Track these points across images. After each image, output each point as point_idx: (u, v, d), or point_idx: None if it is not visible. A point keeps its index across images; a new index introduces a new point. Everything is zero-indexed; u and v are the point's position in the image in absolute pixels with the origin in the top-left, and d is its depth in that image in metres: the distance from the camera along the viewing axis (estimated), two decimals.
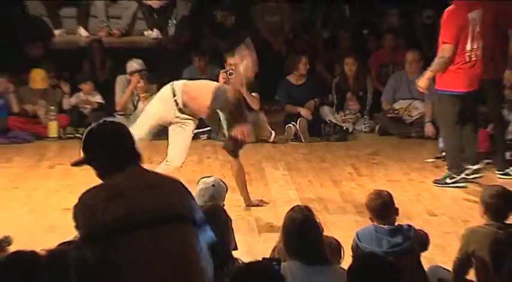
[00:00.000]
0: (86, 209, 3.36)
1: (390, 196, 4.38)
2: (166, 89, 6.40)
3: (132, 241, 3.18)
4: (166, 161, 6.43)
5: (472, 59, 6.70)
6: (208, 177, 5.35)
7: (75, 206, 3.38)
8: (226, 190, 5.28)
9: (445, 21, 6.71)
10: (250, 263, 3.22)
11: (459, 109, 6.81)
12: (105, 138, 3.47)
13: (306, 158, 8.12)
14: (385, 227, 4.22)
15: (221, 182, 5.28)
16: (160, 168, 6.31)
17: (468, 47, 6.67)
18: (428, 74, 6.76)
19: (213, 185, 5.14)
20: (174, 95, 6.33)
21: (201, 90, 6.44)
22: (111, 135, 3.47)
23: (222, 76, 8.60)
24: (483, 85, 6.93)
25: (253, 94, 8.68)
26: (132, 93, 8.94)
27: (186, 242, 3.23)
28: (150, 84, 8.90)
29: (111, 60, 9.84)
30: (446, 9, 6.76)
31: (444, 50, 6.66)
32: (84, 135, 3.53)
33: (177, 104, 6.30)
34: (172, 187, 3.38)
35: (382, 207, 4.29)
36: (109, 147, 3.43)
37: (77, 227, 3.41)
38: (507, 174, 7.21)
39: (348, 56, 9.27)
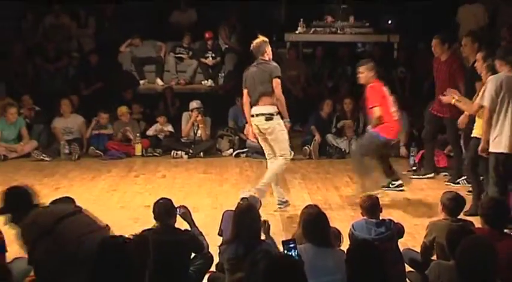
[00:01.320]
0: None
1: (377, 199, 4.35)
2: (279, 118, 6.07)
3: None
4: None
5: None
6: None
7: None
8: (260, 204, 4.88)
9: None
10: (277, 259, 2.96)
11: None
12: None
13: (315, 170, 8.09)
14: (373, 220, 4.19)
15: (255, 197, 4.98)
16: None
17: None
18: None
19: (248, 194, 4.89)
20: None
21: None
22: None
23: None
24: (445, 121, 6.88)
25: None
26: (192, 125, 8.96)
27: None
28: (206, 117, 8.93)
29: (179, 101, 9.89)
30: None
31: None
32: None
33: None
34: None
35: (372, 206, 4.26)
36: None
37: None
38: (458, 183, 7.11)
39: (347, 97, 9.24)
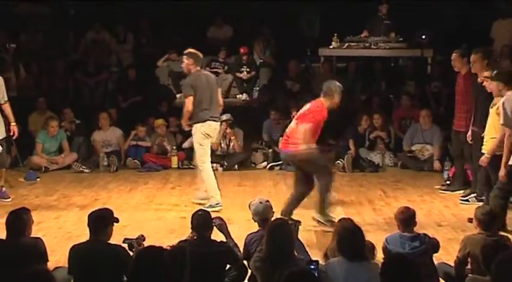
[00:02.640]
0: None
1: (414, 212, 4.30)
2: None
3: None
4: None
5: None
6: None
7: None
8: (273, 213, 4.71)
9: None
10: (293, 271, 3.00)
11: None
12: None
13: (349, 184, 8.03)
14: (407, 234, 4.14)
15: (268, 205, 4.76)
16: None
17: None
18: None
19: (260, 202, 4.71)
20: None
21: None
22: None
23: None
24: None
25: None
26: (224, 137, 8.97)
27: None
28: (237, 129, 8.94)
29: None
30: None
31: None
32: None
33: None
34: None
35: (408, 218, 4.21)
36: None
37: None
38: (467, 200, 6.90)
39: (376, 113, 9.19)
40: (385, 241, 4.16)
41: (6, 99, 7.00)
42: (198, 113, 6.58)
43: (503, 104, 5.38)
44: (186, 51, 6.92)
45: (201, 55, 6.87)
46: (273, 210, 4.72)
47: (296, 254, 3.97)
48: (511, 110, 5.33)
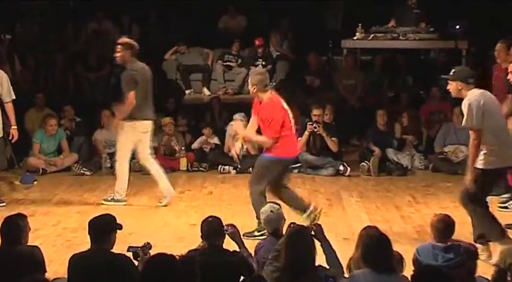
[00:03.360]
0: None
1: (453, 221, 4.25)
2: None
3: None
4: None
5: None
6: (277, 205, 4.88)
7: None
8: (284, 220, 4.70)
9: None
10: None
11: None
12: None
13: (374, 188, 8.01)
14: (441, 244, 4.10)
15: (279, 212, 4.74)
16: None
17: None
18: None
19: (271, 211, 4.68)
20: None
21: None
22: None
23: (309, 127, 8.62)
24: None
25: (332, 139, 8.65)
26: (237, 137, 8.93)
27: None
28: None
29: (226, 112, 9.95)
30: None
31: None
32: None
33: None
34: None
35: (447, 228, 4.17)
36: None
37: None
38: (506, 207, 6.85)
39: (405, 111, 9.15)
40: (416, 252, 4.12)
41: (12, 97, 7.06)
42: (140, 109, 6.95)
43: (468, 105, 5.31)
44: (121, 40, 7.20)
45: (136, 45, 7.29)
46: (285, 217, 4.71)
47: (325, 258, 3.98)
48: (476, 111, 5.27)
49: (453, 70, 5.55)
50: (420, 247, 4.16)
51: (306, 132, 8.65)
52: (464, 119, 5.39)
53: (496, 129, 5.35)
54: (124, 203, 7.16)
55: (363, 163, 8.69)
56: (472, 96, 5.36)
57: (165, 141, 9.08)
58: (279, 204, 4.98)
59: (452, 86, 5.47)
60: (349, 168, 8.59)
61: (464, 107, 5.36)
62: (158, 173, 7.19)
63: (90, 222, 4.14)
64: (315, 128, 8.57)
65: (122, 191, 7.16)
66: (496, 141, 5.31)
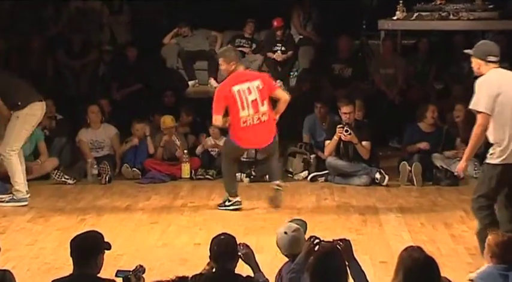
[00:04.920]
0: None
1: None
2: None
3: None
4: None
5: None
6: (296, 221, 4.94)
7: None
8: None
9: None
10: None
11: None
12: None
13: (418, 201, 7.97)
14: (504, 265, 4.06)
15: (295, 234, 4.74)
16: None
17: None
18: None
19: (285, 232, 4.69)
20: None
21: None
22: None
23: (338, 131, 8.59)
24: None
25: (363, 143, 8.61)
26: None
27: None
28: None
29: None
30: None
31: None
32: None
33: None
34: None
35: (507, 246, 4.14)
36: None
37: None
38: None
39: (458, 103, 9.06)
40: (477, 280, 4.07)
41: None
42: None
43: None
44: None
45: None
46: (305, 228, 4.74)
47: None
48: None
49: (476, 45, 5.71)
50: (480, 275, 4.12)
51: (335, 137, 8.60)
52: (472, 101, 5.58)
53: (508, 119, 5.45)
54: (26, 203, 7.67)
55: (404, 162, 8.62)
56: (488, 76, 5.50)
57: (163, 143, 9.09)
58: (303, 221, 4.95)
59: (473, 64, 5.68)
60: (387, 177, 8.56)
61: (476, 86, 5.55)
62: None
63: (72, 242, 4.15)
64: (346, 131, 8.51)
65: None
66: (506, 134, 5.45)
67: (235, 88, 7.33)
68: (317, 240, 4.30)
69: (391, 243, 6.44)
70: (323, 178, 8.81)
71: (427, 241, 6.44)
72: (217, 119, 7.37)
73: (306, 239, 4.49)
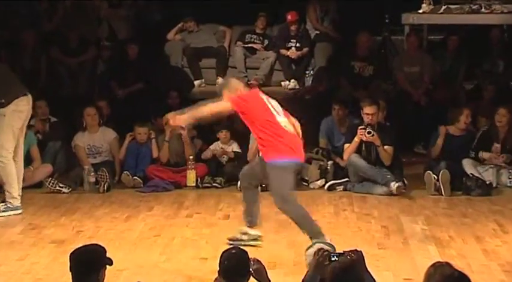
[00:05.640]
0: None
1: None
2: None
3: None
4: None
5: None
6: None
7: None
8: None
9: None
10: None
11: None
12: None
13: (446, 212, 7.93)
14: None
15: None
16: None
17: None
18: None
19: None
20: None
21: None
22: None
23: (360, 132, 8.57)
24: None
25: (385, 147, 8.59)
26: None
27: None
28: None
29: None
30: None
31: None
32: None
33: None
34: None
35: None
36: None
37: None
38: None
39: (502, 107, 8.96)
40: None
41: None
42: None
43: None
44: None
45: None
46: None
47: None
48: None
49: None
50: None
51: (356, 139, 8.60)
52: None
53: None
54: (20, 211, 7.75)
55: (429, 171, 8.59)
56: None
57: (170, 137, 9.08)
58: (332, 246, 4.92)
59: None
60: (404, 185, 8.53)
61: None
62: None
63: (72, 255, 4.15)
64: (369, 133, 8.50)
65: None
66: None
67: (262, 95, 6.50)
68: (326, 253, 4.30)
69: (416, 258, 6.41)
70: (341, 187, 8.79)
71: (456, 256, 6.41)
72: (219, 106, 6.38)
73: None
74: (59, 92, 10.81)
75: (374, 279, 4.21)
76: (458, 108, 9.04)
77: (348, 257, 4.24)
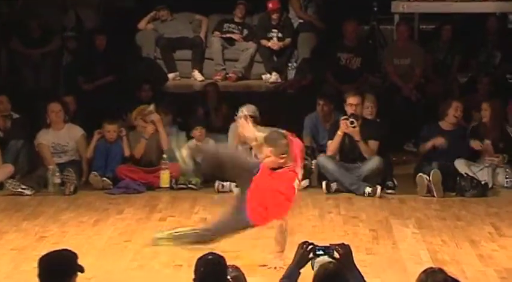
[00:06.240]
0: None
1: None
2: None
3: None
4: None
5: None
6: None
7: None
8: None
9: None
10: None
11: None
12: None
13: (438, 215, 7.96)
14: None
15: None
16: None
17: None
18: None
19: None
20: None
21: None
22: None
23: (342, 123, 8.59)
24: None
25: (370, 142, 8.62)
26: (243, 141, 8.92)
27: None
28: (264, 129, 8.86)
29: (227, 105, 9.94)
30: None
31: None
32: None
33: None
34: None
35: None
36: None
37: None
38: None
39: (485, 100, 9.10)
40: None
41: None
42: None
43: None
44: None
45: None
46: None
47: None
48: None
49: None
50: None
51: (339, 132, 8.62)
52: None
53: None
54: None
55: (421, 174, 8.62)
56: None
57: (141, 145, 9.08)
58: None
59: None
60: (379, 188, 8.54)
61: None
62: None
63: (41, 261, 4.14)
64: (352, 123, 8.53)
65: None
66: None
67: None
68: (311, 246, 4.31)
69: (407, 264, 6.44)
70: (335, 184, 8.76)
71: (449, 262, 6.44)
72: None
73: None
74: (20, 86, 10.75)
75: (362, 277, 4.23)
76: (448, 102, 9.07)
77: (335, 250, 4.26)
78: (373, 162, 8.66)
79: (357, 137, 8.60)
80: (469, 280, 5.98)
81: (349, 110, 8.67)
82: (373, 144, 8.69)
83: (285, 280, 4.29)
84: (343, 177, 8.65)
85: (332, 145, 8.71)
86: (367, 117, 8.90)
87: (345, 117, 8.62)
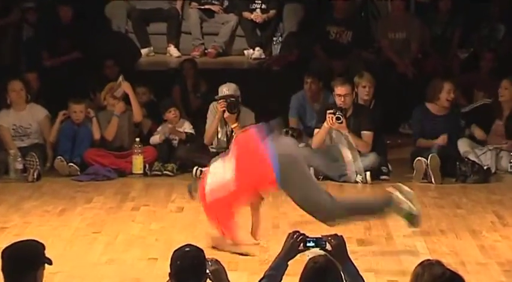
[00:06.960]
0: None
1: None
2: None
3: None
4: None
5: None
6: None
7: None
8: None
9: None
10: None
11: None
12: None
13: (436, 202, 8.00)
14: None
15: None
16: None
17: None
18: None
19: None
20: None
21: None
22: None
23: (328, 117, 8.56)
24: None
25: (363, 133, 8.61)
26: (224, 124, 8.94)
27: None
28: (247, 110, 8.88)
29: (206, 84, 9.94)
30: None
31: None
32: None
33: None
34: None
35: None
36: None
37: None
38: None
39: (506, 78, 9.05)
40: None
41: None
42: None
43: None
44: None
45: None
46: None
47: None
48: None
49: None
50: None
51: (325, 124, 8.58)
52: None
53: None
54: None
55: (419, 158, 8.64)
56: None
57: (113, 124, 9.09)
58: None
59: None
60: (368, 174, 8.56)
61: None
62: None
63: (5, 252, 4.15)
64: (338, 118, 8.48)
65: None
66: None
67: None
68: (302, 237, 4.33)
69: (402, 256, 6.48)
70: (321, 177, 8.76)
71: (448, 253, 6.48)
72: None
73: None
74: None
75: (357, 270, 4.27)
76: (439, 83, 8.99)
77: (328, 242, 4.29)
78: (368, 160, 8.60)
79: (345, 131, 8.54)
80: (469, 274, 6.01)
81: (338, 101, 8.56)
82: (367, 136, 8.61)
83: (271, 272, 4.32)
84: (330, 171, 8.56)
85: (317, 138, 8.63)
86: (363, 99, 8.90)
87: (331, 111, 8.50)
